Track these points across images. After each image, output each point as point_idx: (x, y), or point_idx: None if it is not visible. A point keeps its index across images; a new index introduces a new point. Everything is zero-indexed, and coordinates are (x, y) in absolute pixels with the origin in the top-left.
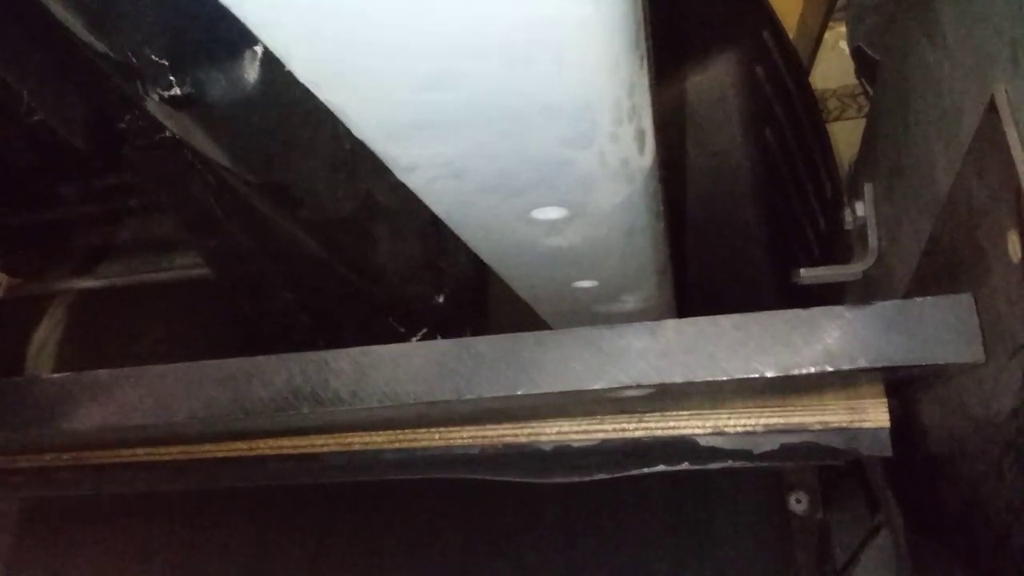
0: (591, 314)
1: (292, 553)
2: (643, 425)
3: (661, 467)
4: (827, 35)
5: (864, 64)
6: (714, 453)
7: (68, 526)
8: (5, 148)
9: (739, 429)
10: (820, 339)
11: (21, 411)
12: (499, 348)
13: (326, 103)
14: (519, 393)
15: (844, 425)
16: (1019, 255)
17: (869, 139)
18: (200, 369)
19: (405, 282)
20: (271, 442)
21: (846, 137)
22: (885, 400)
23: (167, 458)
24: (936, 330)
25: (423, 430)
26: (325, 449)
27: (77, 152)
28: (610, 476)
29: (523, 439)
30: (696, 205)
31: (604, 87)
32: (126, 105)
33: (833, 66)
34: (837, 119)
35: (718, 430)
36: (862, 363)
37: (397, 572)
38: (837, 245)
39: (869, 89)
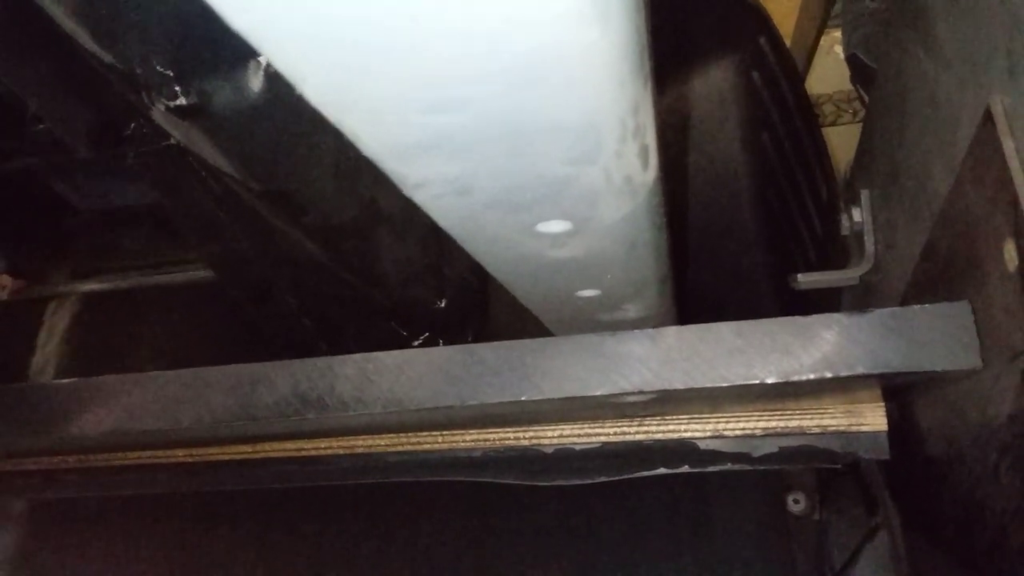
0: (593, 322)
1: (296, 555)
2: (644, 428)
3: (661, 470)
4: (822, 40)
5: (859, 71)
6: (714, 456)
7: (74, 528)
8: (11, 153)
9: (738, 432)
10: (819, 346)
11: (31, 416)
12: (502, 354)
13: (335, 124)
14: (522, 399)
15: (842, 429)
16: (1015, 264)
17: (865, 145)
18: (206, 375)
19: (407, 287)
20: (275, 445)
21: (842, 142)
22: (883, 404)
23: (172, 461)
24: (934, 337)
25: (426, 433)
26: (329, 452)
27: (82, 157)
28: (611, 479)
29: (525, 442)
30: (694, 210)
31: (609, 108)
32: (131, 113)
33: (829, 71)
34: (833, 124)
35: (718, 433)
36: (860, 370)
37: (399, 574)
38: (834, 250)
39: (864, 96)
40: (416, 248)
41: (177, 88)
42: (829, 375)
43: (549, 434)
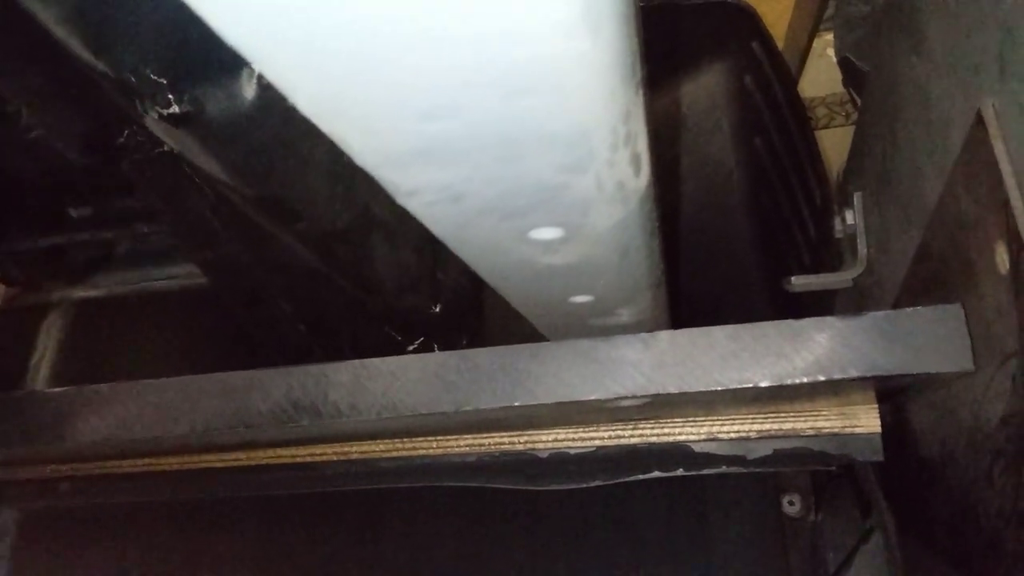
0: (586, 326)
1: (290, 562)
2: (638, 432)
3: (656, 473)
4: (815, 43)
5: (851, 74)
6: (708, 459)
7: (67, 537)
8: (3, 161)
9: (733, 435)
10: (812, 349)
11: (24, 425)
12: (496, 360)
13: (327, 133)
14: (516, 404)
15: (836, 431)
16: (1007, 266)
17: (858, 148)
18: (200, 382)
19: (402, 292)
20: (270, 452)
21: (834, 145)
22: (877, 406)
23: (166, 469)
24: (927, 340)
25: (421, 438)
26: (323, 458)
27: (75, 165)
28: (606, 482)
29: (520, 447)
30: (687, 214)
31: (601, 116)
32: (124, 120)
33: (821, 74)
34: (826, 127)
35: (712, 436)
36: (853, 373)
37: None
38: (827, 253)
39: (857, 99)
40: (411, 254)
41: (170, 96)
42: (823, 378)
43: (544, 438)
